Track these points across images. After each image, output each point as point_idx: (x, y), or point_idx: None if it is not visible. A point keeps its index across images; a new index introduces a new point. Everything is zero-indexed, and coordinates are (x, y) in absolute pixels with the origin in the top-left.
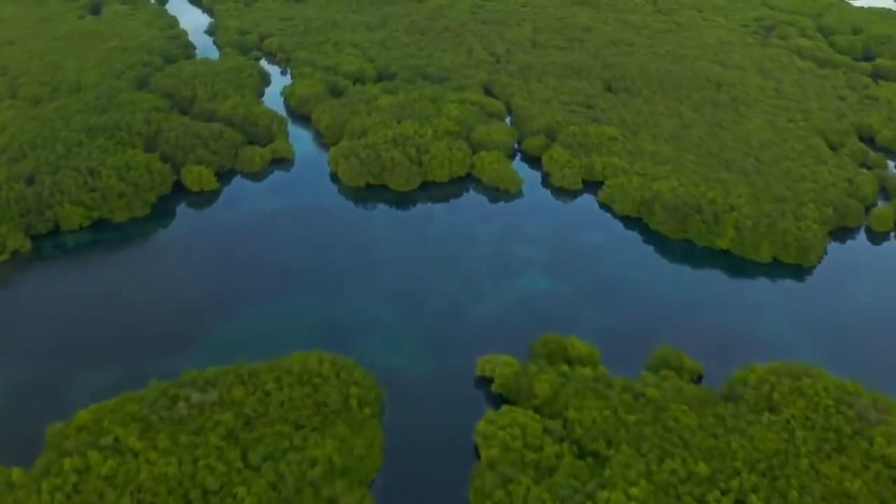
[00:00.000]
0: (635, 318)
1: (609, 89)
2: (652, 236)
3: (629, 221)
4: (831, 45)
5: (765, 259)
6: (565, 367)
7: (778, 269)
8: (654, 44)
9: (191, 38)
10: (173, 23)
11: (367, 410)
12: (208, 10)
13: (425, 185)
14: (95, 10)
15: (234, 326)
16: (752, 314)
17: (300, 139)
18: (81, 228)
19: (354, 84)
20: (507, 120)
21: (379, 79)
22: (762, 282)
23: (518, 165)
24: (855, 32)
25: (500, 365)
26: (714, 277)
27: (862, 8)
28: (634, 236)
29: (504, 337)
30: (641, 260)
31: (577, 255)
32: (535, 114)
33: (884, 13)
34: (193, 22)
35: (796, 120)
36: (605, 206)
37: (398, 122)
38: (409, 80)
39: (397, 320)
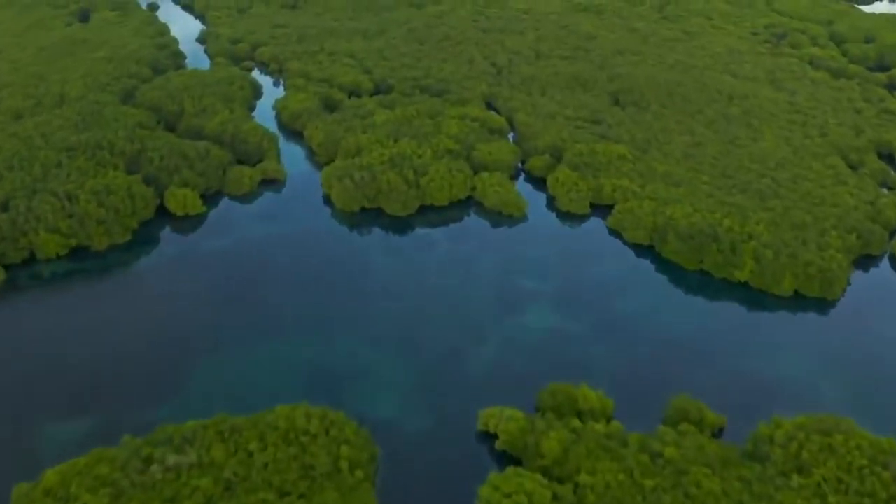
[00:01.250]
0: (649, 361)
1: (616, 102)
2: (665, 266)
3: (641, 249)
4: (844, 54)
5: (786, 293)
6: (576, 422)
7: (800, 302)
8: (663, 53)
9: (182, 46)
10: (163, 30)
11: (360, 473)
12: (201, 17)
13: (423, 209)
14: (85, 17)
15: (216, 371)
16: (774, 355)
17: (292, 157)
18: (58, 257)
19: (350, 97)
20: (510, 136)
21: (376, 91)
22: (784, 317)
23: (522, 186)
24: (867, 41)
25: (504, 419)
26: (732, 313)
27: (873, 14)
28: (647, 266)
29: (508, 384)
30: (654, 293)
31: (586, 287)
32: (540, 130)
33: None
34: (185, 29)
35: (812, 136)
36: (614, 233)
37: (395, 141)
38: (406, 93)
39: (392, 365)
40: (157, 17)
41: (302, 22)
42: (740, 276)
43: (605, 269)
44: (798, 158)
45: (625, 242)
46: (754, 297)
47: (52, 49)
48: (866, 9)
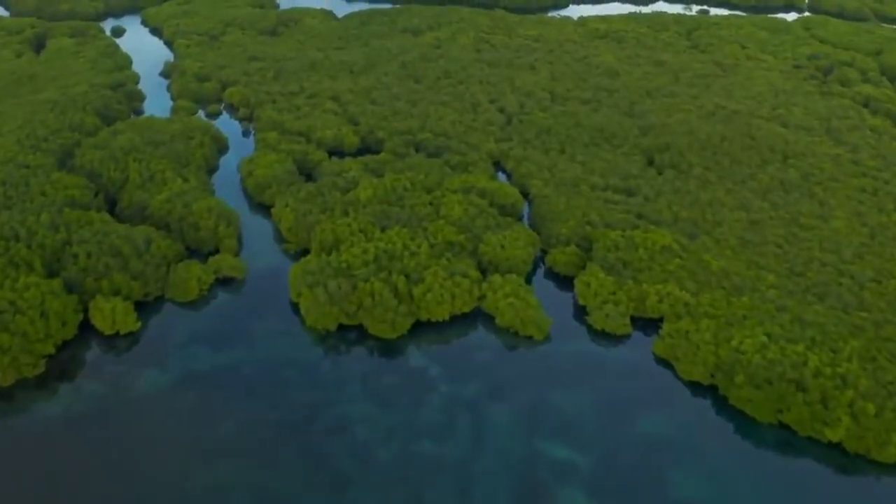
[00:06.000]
0: None
1: (651, 163)
2: (732, 416)
3: (699, 388)
4: None
5: (891, 459)
6: None
7: None
8: (698, 94)
9: (142, 82)
10: (123, 63)
11: None
12: (169, 44)
13: (418, 327)
14: (40, 44)
15: None
16: None
17: (257, 239)
18: None
19: (331, 157)
20: (525, 212)
21: (362, 148)
22: (887, 490)
23: (541, 284)
24: None
25: None
26: (823, 489)
27: None
28: (708, 415)
29: None
30: (721, 460)
31: (632, 455)
32: (562, 209)
33: None
34: (150, 59)
35: (888, 210)
36: (663, 362)
37: (382, 230)
38: (398, 152)
39: None
40: (118, 46)
41: (281, 53)
42: (832, 435)
43: (655, 423)
44: (877, 245)
45: (677, 374)
46: (850, 464)
47: None
48: None
